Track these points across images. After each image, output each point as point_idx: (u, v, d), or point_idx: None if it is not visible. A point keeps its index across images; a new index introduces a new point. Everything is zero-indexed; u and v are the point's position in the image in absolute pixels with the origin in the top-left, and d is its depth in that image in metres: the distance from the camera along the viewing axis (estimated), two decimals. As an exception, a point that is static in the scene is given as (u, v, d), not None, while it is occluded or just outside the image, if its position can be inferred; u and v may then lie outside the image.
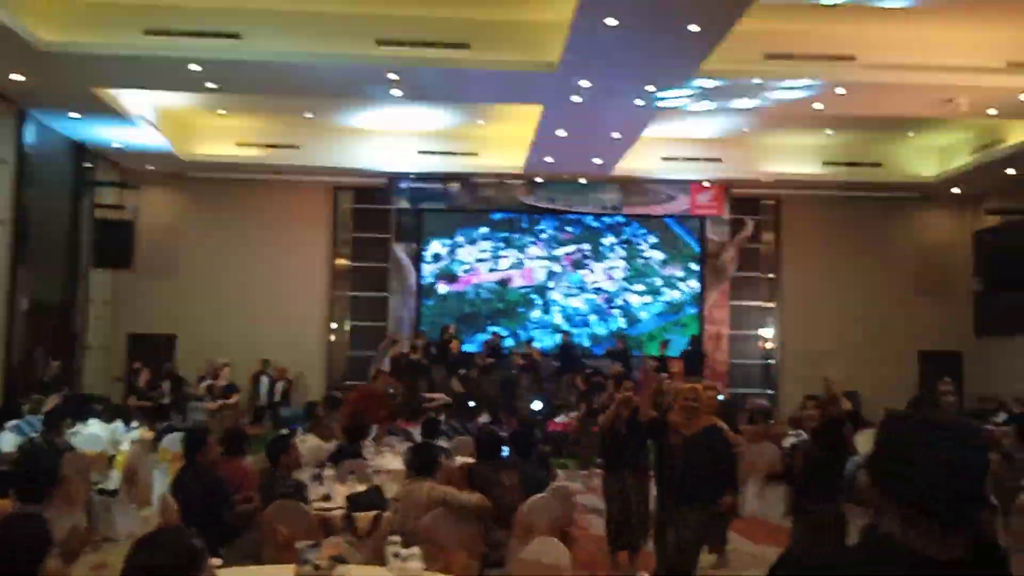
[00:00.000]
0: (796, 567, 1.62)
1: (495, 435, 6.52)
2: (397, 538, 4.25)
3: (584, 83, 12.82)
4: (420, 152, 17.92)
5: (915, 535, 1.52)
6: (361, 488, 6.48)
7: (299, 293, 19.00)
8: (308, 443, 8.76)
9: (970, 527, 1.51)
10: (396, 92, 13.66)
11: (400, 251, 19.10)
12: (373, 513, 5.94)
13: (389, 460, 8.61)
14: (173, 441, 10.36)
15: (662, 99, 13.61)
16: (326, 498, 6.45)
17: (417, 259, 19.13)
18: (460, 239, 19.32)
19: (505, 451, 6.72)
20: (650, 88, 13.06)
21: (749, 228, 19.51)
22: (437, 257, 19.27)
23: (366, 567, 3.91)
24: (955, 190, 18.86)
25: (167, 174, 18.37)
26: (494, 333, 18.42)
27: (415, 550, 3.97)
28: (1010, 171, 17.15)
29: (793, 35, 12.62)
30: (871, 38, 12.62)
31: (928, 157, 18.34)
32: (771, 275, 19.71)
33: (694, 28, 10.75)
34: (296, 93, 14.43)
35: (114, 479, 9.49)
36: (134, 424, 11.49)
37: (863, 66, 12.70)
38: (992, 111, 14.00)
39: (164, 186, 18.77)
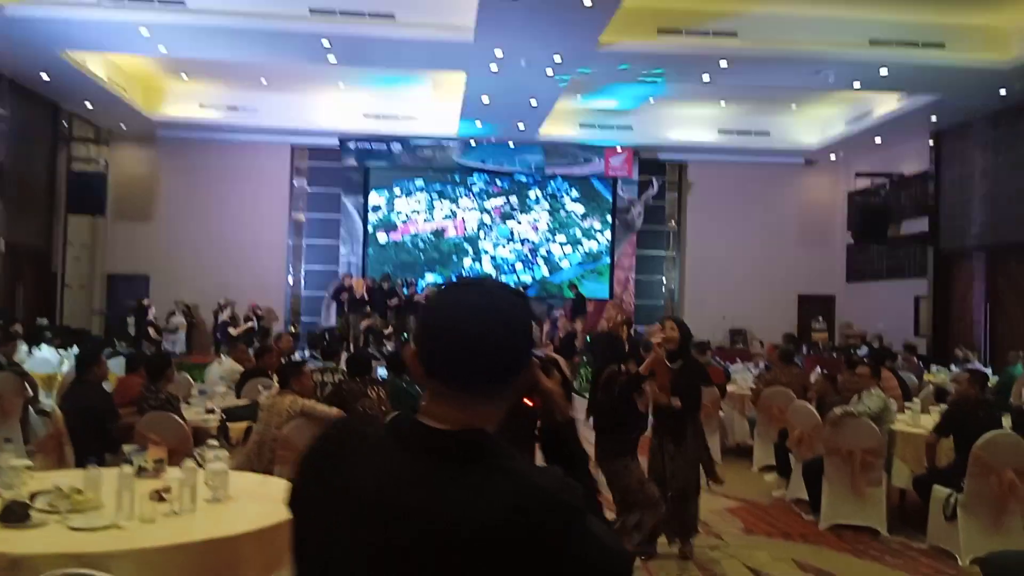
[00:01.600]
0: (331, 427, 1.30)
1: (364, 355, 6.17)
2: (215, 443, 3.91)
3: (498, 52, 12.33)
4: (366, 115, 17.36)
5: (429, 404, 1.20)
6: (244, 403, 6.12)
7: (261, 240, 18.41)
8: (224, 365, 8.43)
9: (476, 404, 1.19)
10: (331, 58, 13.05)
11: (349, 204, 18.56)
12: (245, 424, 5.60)
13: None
14: (116, 364, 9.94)
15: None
16: (210, 411, 6.09)
17: (364, 211, 18.60)
18: (397, 191, 18.73)
19: (381, 370, 6.39)
20: (557, 58, 12.60)
21: (655, 188, 19.18)
22: (376, 208, 18.70)
23: (175, 468, 3.56)
24: (832, 156, 18.68)
25: (139, 132, 17.60)
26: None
27: (223, 453, 3.63)
28: (877, 140, 16.99)
29: (682, 13, 12.19)
30: (750, 17, 12.23)
31: (809, 127, 18.09)
32: (673, 228, 19.45)
33: (587, 2, 10.28)
34: (241, 57, 13.70)
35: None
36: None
37: (743, 41, 12.32)
38: (856, 84, 13.70)
39: (137, 143, 18.00)
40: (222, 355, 8.83)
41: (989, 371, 10.36)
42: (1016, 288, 14.65)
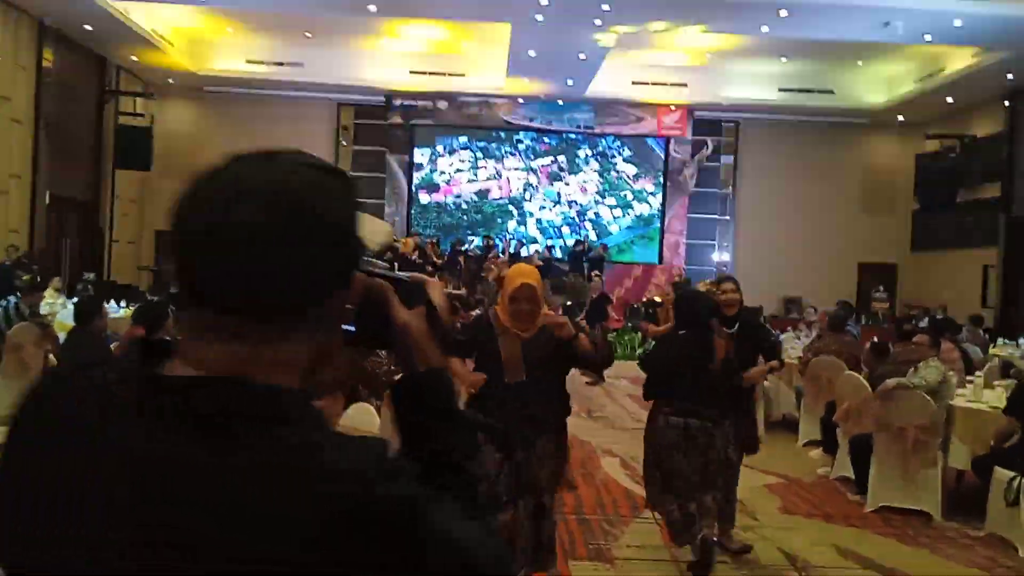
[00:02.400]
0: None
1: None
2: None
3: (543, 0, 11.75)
4: (412, 72, 16.92)
5: (185, 341, 0.79)
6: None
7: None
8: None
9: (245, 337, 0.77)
10: (372, 7, 12.62)
11: (394, 163, 18.22)
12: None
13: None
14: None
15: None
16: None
17: (408, 170, 18.23)
18: (440, 148, 18.26)
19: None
20: (606, 7, 11.96)
21: (709, 148, 18.40)
22: (419, 166, 18.29)
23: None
24: (900, 117, 17.63)
25: (185, 87, 17.48)
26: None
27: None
28: (949, 99, 15.94)
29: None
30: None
31: (876, 85, 17.07)
32: (728, 191, 18.67)
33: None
34: (281, 7, 13.34)
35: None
36: (122, 304, 11.00)
37: (805, -12, 11.52)
38: (928, 36, 12.75)
39: (183, 98, 17.91)
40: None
41: (1063, 346, 9.57)
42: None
